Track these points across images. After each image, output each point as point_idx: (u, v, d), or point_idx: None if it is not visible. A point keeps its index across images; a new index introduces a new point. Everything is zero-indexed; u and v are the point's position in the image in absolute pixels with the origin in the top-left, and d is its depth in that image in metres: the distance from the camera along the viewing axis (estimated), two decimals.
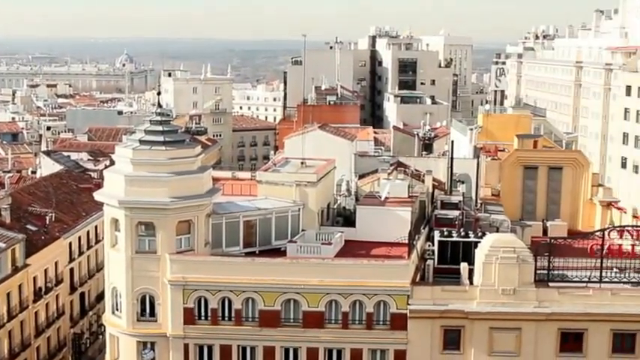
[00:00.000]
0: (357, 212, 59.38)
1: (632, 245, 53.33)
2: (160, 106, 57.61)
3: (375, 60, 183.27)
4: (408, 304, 51.68)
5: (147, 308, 53.39)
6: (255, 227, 55.56)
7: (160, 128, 53.95)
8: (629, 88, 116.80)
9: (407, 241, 52.91)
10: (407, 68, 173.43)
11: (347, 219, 60.94)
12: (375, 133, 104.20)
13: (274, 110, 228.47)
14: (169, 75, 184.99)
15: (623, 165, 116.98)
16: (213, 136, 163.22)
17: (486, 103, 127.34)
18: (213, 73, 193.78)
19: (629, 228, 54.52)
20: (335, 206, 62.85)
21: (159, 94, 63.06)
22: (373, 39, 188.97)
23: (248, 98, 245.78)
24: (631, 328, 51.97)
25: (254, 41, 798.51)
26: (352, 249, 55.81)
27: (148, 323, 53.39)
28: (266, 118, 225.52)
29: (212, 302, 52.52)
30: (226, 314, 52.75)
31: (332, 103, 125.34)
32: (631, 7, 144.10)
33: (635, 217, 70.02)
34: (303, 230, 56.64)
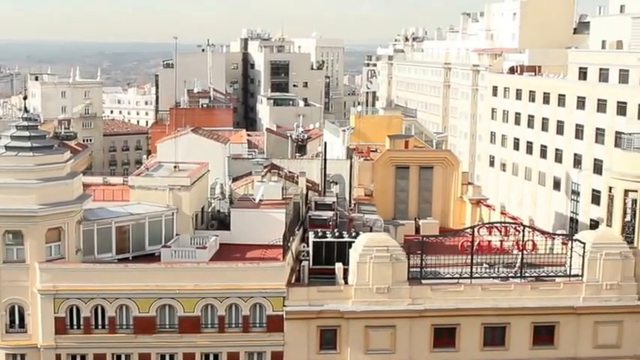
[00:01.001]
0: (231, 215, 59.17)
1: (501, 241, 54.65)
2: (26, 110, 56.01)
3: (247, 62, 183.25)
4: (284, 306, 51.74)
5: (16, 319, 51.86)
6: (128, 233, 54.75)
7: (26, 134, 52.57)
8: (495, 89, 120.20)
9: (282, 243, 53.01)
10: (279, 70, 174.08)
11: (221, 222, 60.64)
12: (248, 135, 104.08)
13: (146, 114, 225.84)
14: (36, 79, 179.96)
15: (491, 163, 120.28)
16: (84, 140, 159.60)
17: (358, 104, 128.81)
18: (82, 76, 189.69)
19: (498, 224, 55.86)
20: (209, 210, 62.46)
21: (25, 98, 61.37)
22: (245, 41, 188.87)
23: (119, 102, 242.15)
24: (501, 321, 53.34)
25: (124, 44, 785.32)
26: (227, 252, 55.57)
27: (17, 335, 51.86)
28: (138, 122, 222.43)
29: (84, 311, 51.40)
30: (100, 322, 51.70)
31: (205, 106, 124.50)
32: (496, 10, 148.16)
33: (503, 213, 71.90)
34: (177, 235, 56.11)
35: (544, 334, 53.86)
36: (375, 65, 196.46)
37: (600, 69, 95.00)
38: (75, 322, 51.59)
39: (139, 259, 54.06)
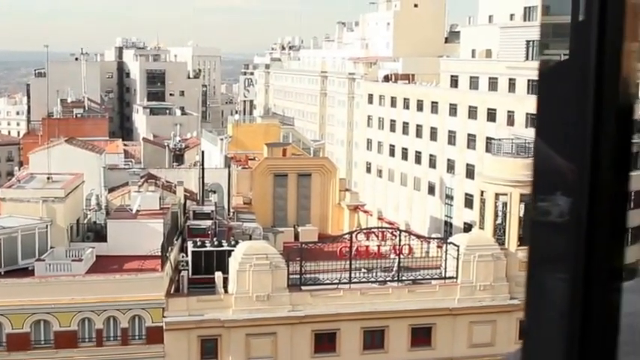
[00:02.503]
0: (108, 226, 58.24)
1: (378, 246, 55.55)
2: None
3: (122, 71, 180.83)
4: (164, 317, 51.31)
5: None
6: None
7: None
8: (370, 97, 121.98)
9: (160, 254, 52.53)
10: (155, 79, 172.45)
11: (98, 234, 59.62)
12: (124, 145, 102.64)
13: (18, 124, 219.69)
14: None
15: (368, 170, 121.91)
16: None
17: (236, 113, 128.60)
18: None
19: (375, 230, 56.75)
20: (85, 221, 61.37)
21: None
22: (120, 50, 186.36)
23: None
24: (380, 324, 54.19)
25: None
26: (104, 264, 54.60)
27: None
28: (9, 132, 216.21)
29: None
30: None
31: (79, 116, 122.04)
32: (370, 20, 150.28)
33: (380, 219, 73.03)
34: (51, 247, 54.82)
35: (421, 336, 54.95)
36: (252, 74, 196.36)
37: (471, 77, 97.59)
38: None
39: (12, 273, 52.57)
